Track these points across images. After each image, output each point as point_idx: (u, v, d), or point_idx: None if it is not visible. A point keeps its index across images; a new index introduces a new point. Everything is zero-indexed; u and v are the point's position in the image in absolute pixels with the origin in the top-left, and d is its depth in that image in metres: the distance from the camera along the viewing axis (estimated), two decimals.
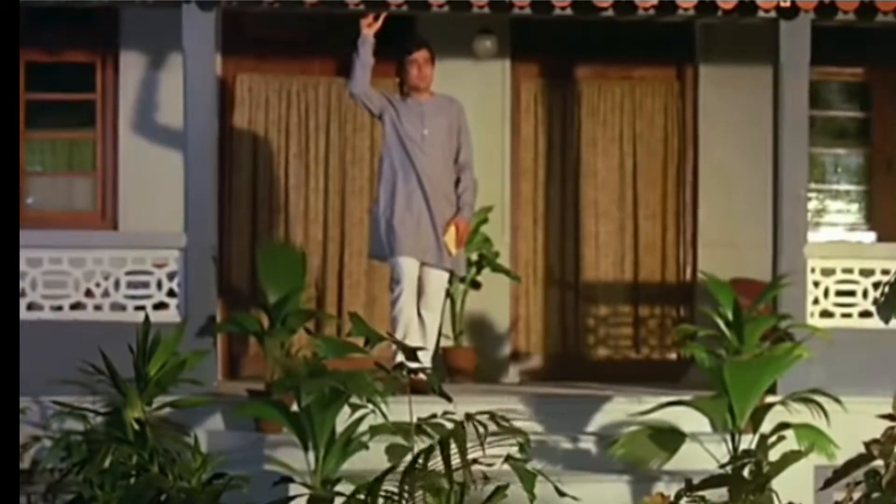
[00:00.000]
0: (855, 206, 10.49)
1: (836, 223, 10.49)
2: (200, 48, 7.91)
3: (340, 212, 10.05)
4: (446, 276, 8.08)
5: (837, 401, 6.75)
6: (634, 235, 10.24)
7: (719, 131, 10.10)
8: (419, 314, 7.92)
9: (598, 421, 7.67)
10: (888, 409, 7.50)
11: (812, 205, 10.45)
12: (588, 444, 7.37)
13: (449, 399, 6.97)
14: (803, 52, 8.17)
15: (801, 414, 6.86)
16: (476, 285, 9.54)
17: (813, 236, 10.20)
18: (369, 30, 7.92)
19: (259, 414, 6.58)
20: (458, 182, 8.13)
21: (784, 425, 6.48)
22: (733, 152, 9.93)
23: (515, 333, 10.11)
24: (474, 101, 9.82)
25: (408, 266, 7.84)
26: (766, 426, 6.72)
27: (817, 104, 10.43)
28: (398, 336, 7.56)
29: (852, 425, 7.59)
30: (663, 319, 10.22)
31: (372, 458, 6.32)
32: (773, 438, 6.50)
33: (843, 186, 10.51)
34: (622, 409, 7.68)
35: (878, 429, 7.54)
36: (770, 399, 6.87)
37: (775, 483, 6.38)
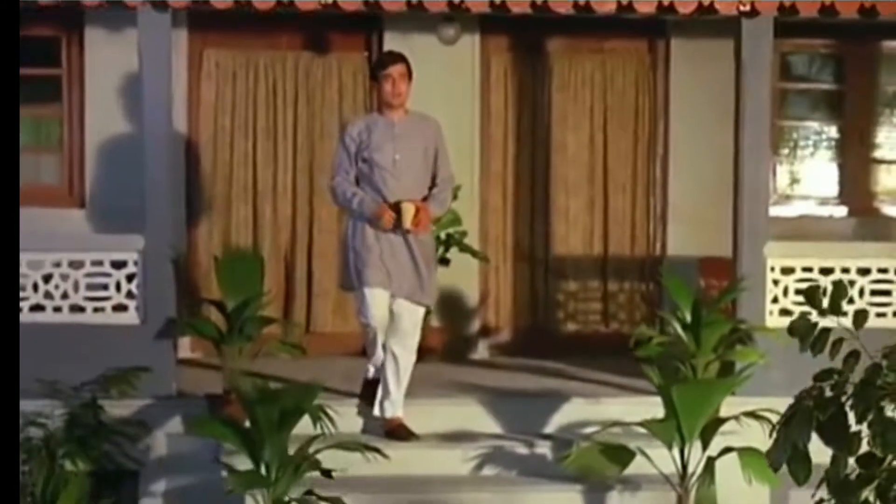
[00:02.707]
0: (827, 180, 10.43)
1: (808, 196, 10.45)
2: (158, 58, 7.79)
3: (309, 187, 10.02)
4: (422, 311, 7.44)
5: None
6: (604, 210, 10.21)
7: (691, 105, 10.01)
8: (391, 351, 7.35)
9: (556, 421, 7.70)
10: None
11: (783, 178, 10.44)
12: (544, 449, 7.40)
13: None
14: (764, 53, 8.05)
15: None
16: (445, 262, 9.53)
17: (784, 210, 10.26)
18: (385, 221, 7.24)
19: (212, 434, 6.61)
20: None
21: (729, 449, 6.49)
22: (705, 127, 9.83)
23: (485, 309, 10.12)
24: (443, 76, 9.79)
25: (376, 300, 7.27)
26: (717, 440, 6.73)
27: (790, 76, 10.39)
28: (370, 375, 7.53)
29: None
30: (632, 294, 10.24)
31: None
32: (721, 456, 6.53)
33: (815, 159, 10.45)
34: (580, 409, 7.72)
35: None
36: (723, 412, 6.88)
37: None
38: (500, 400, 7.80)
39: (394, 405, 7.37)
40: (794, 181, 10.45)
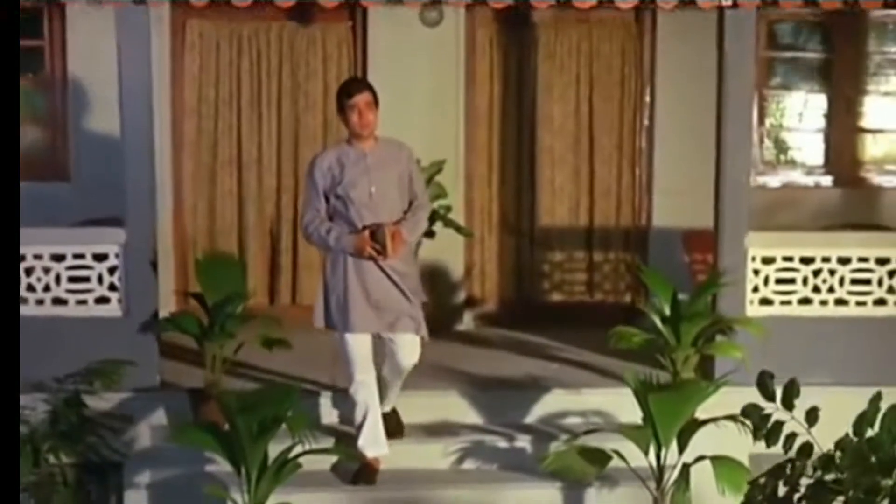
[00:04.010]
0: (813, 149, 10.41)
1: (794, 163, 10.44)
2: (137, 40, 7.73)
3: (294, 159, 10.01)
4: (418, 339, 7.14)
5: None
6: (590, 181, 10.20)
7: (677, 75, 9.95)
8: (383, 377, 7.16)
9: (537, 412, 7.76)
10: (825, 399, 7.66)
11: (770, 147, 10.41)
12: (524, 443, 7.47)
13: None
14: (749, 23, 7.94)
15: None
16: (430, 235, 9.52)
17: (770, 179, 10.25)
18: (367, 253, 6.92)
19: (192, 442, 6.66)
20: None
21: (702, 457, 6.54)
22: (691, 97, 9.74)
23: (470, 280, 10.15)
24: (428, 47, 9.73)
25: (359, 345, 7.01)
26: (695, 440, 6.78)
27: (777, 45, 10.31)
28: (357, 419, 7.11)
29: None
30: (617, 264, 10.27)
31: None
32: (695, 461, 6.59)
33: (802, 128, 10.41)
34: (560, 400, 7.77)
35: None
36: (700, 414, 6.92)
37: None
38: (481, 391, 7.83)
39: (390, 402, 7.35)
40: (781, 150, 10.41)
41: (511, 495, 7.18)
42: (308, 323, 9.10)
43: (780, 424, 4.42)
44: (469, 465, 7.42)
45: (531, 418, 7.75)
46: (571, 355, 8.77)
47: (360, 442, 7.08)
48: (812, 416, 4.50)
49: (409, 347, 7.07)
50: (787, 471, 4.43)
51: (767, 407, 4.92)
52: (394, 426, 7.37)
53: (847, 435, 4.65)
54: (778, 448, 7.12)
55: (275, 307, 9.95)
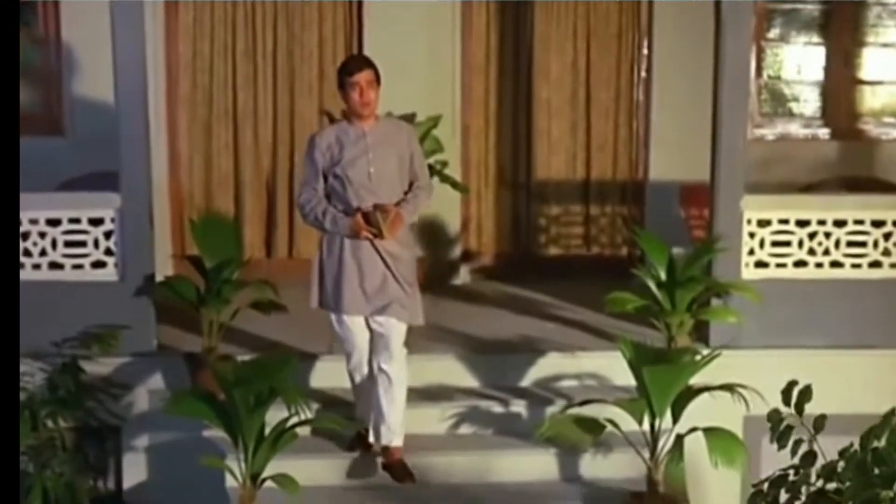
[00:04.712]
0: (811, 101, 10.36)
1: (792, 115, 10.39)
2: (132, 4, 7.64)
3: (290, 111, 9.97)
4: (405, 326, 6.92)
5: (758, 394, 6.81)
6: (587, 134, 10.16)
7: (674, 28, 9.88)
8: (380, 369, 6.89)
9: (532, 375, 7.79)
10: (818, 361, 7.73)
11: (768, 99, 10.36)
12: (519, 407, 7.51)
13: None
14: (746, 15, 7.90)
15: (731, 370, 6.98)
16: None
17: (768, 132, 10.22)
18: (363, 236, 6.76)
19: (189, 412, 6.69)
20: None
21: (695, 429, 6.59)
22: (688, 50, 9.68)
23: (467, 234, 10.15)
24: None
25: (355, 327, 6.91)
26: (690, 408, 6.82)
27: None
28: (357, 405, 7.14)
29: (781, 377, 7.81)
30: (614, 218, 10.26)
31: None
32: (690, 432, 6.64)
33: (800, 80, 10.36)
34: (555, 363, 7.80)
35: (802, 381, 7.77)
36: (695, 382, 6.95)
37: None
38: (478, 355, 7.86)
39: (391, 431, 6.92)
40: (778, 102, 10.36)
41: (506, 461, 7.23)
42: (305, 279, 9.15)
43: (790, 428, 4.46)
44: (465, 429, 7.47)
45: (527, 381, 7.79)
46: (567, 313, 8.80)
47: (373, 435, 6.99)
48: (819, 423, 4.53)
49: (393, 333, 6.84)
50: (790, 478, 4.47)
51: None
52: (402, 474, 7.00)
53: (852, 445, 4.68)
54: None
55: (271, 260, 9.98)
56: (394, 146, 6.87)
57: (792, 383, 4.75)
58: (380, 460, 7.03)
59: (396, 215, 6.75)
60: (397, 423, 6.92)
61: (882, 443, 4.56)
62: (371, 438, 7.03)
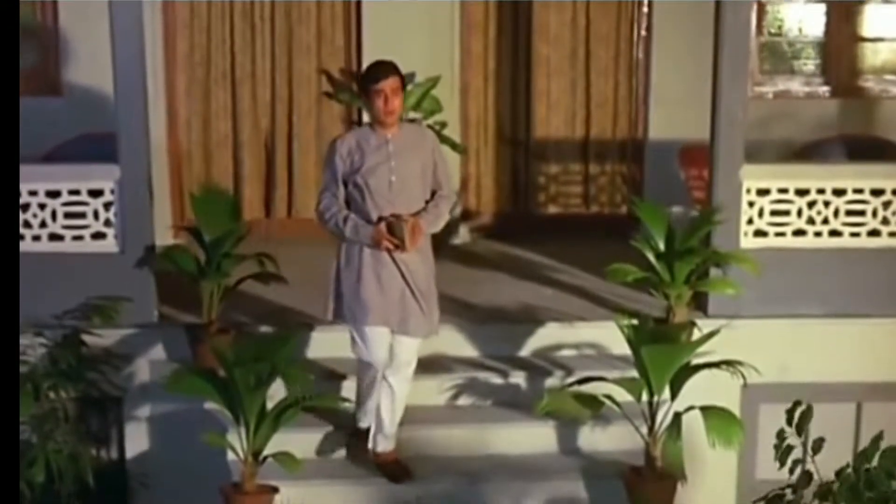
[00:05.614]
0: (811, 57, 10.31)
1: (792, 72, 10.35)
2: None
3: (288, 72, 9.94)
4: (419, 342, 6.82)
5: (755, 369, 6.85)
6: (586, 93, 10.14)
7: None
8: (386, 380, 6.79)
9: (532, 345, 7.82)
10: (816, 330, 7.78)
11: (768, 56, 10.31)
12: (518, 379, 7.55)
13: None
14: None
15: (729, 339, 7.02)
16: None
17: (768, 89, 10.18)
18: (385, 247, 6.54)
19: (190, 390, 6.72)
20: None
21: (692, 408, 6.63)
22: (689, 7, 9.61)
23: (466, 193, 10.14)
24: None
25: (377, 338, 6.67)
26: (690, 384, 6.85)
27: None
28: (362, 425, 7.00)
29: (779, 346, 7.86)
30: (613, 177, 10.26)
31: None
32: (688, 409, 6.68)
33: (800, 36, 10.30)
34: (554, 333, 7.83)
35: (800, 349, 7.84)
36: (695, 334, 6.98)
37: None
38: (477, 325, 7.88)
39: (387, 439, 6.92)
40: (779, 59, 10.31)
41: (505, 433, 7.28)
42: (304, 239, 9.14)
43: (790, 448, 4.49)
44: (464, 401, 7.51)
45: (526, 351, 7.81)
46: (566, 277, 8.81)
47: (371, 441, 6.95)
48: (817, 445, 4.56)
49: (405, 349, 6.74)
50: (787, 498, 4.51)
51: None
52: (398, 472, 6.96)
53: (847, 465, 4.71)
54: (770, 378, 7.33)
55: (271, 221, 10.00)
56: (417, 154, 6.64)
57: (796, 403, 4.78)
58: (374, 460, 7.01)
59: (416, 226, 6.53)
60: (393, 431, 6.91)
61: (874, 463, 4.60)
62: (369, 444, 6.98)
